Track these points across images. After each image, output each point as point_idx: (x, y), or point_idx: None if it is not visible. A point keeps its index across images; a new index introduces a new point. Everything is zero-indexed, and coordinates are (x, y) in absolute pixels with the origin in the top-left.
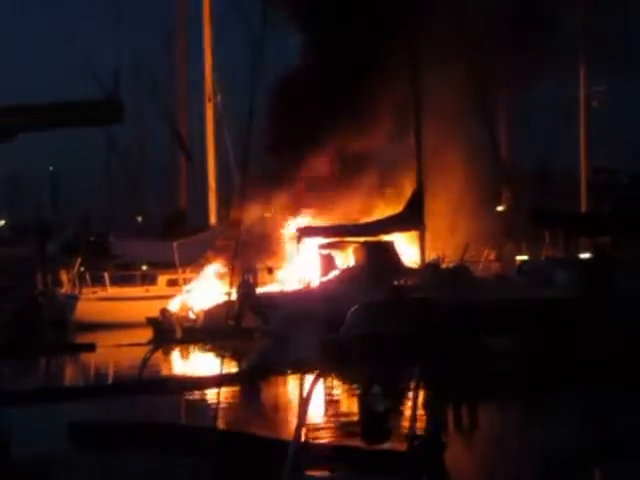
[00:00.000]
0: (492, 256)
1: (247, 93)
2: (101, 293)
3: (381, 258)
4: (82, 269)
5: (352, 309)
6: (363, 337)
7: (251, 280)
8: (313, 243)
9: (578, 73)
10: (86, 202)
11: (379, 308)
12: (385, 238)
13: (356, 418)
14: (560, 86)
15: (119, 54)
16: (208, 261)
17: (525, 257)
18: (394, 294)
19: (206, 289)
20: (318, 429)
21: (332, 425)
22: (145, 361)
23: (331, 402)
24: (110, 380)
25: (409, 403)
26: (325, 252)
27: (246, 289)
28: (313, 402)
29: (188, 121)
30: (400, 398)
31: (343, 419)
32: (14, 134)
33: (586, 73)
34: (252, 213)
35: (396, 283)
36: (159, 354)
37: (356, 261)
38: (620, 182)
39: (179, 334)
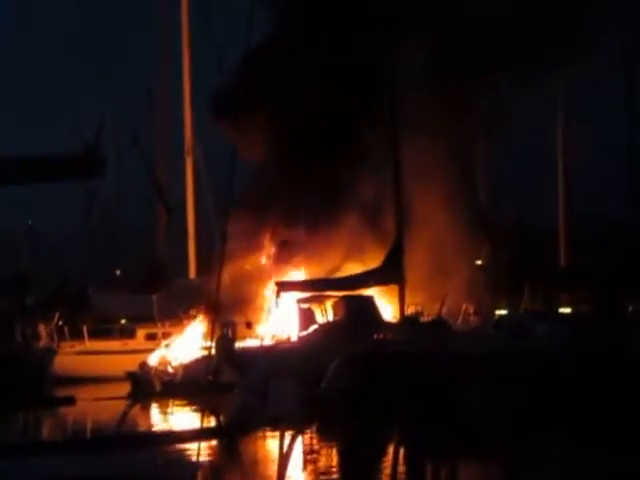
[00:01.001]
0: (471, 309)
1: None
2: (79, 347)
3: (361, 312)
4: (60, 322)
5: (333, 363)
6: (345, 392)
7: (230, 334)
8: (292, 297)
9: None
10: (65, 255)
11: (360, 362)
12: (364, 292)
13: (336, 475)
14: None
15: (101, 107)
16: (187, 315)
17: (504, 311)
18: (375, 348)
19: (185, 343)
20: None
21: None
22: (124, 415)
23: (311, 459)
24: (89, 434)
25: (390, 460)
26: (304, 306)
27: (225, 344)
28: (293, 459)
29: (168, 174)
30: (381, 454)
31: (323, 477)
32: None
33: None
34: (232, 267)
35: (376, 337)
36: (138, 408)
37: (335, 315)
38: (600, 237)
39: (158, 388)
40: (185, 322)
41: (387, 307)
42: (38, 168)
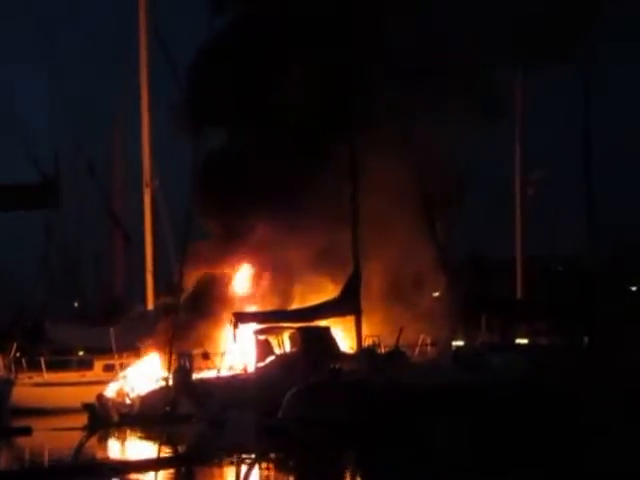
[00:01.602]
0: (428, 341)
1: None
2: (37, 378)
3: (317, 343)
4: (18, 354)
5: (289, 392)
6: (301, 420)
7: (187, 366)
8: (249, 328)
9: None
10: (22, 287)
11: (316, 391)
12: (321, 323)
13: None
14: (496, 170)
15: (58, 138)
16: (145, 346)
17: (461, 342)
18: (331, 377)
19: (143, 374)
20: None
21: None
22: (81, 445)
23: None
24: (46, 464)
25: None
26: (261, 337)
27: (182, 375)
28: None
29: (126, 205)
30: None
31: None
32: None
33: (522, 161)
34: (188, 298)
35: (332, 367)
36: (95, 439)
37: (292, 346)
38: (555, 269)
39: (115, 419)
40: (142, 353)
41: (344, 338)
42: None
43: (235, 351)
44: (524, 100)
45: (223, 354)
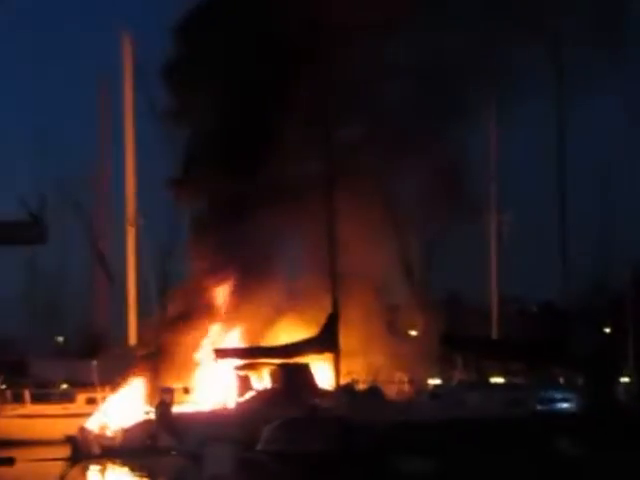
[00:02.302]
0: (405, 378)
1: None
2: (21, 410)
3: (297, 380)
4: (3, 387)
5: (267, 427)
6: (279, 454)
7: (168, 400)
8: (229, 364)
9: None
10: (6, 322)
11: (295, 425)
12: (301, 360)
13: None
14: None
15: (43, 175)
16: (126, 380)
17: (437, 380)
18: (310, 412)
19: (124, 408)
20: None
21: None
22: (63, 476)
23: None
24: None
25: None
26: (241, 373)
27: (163, 409)
28: None
29: (110, 242)
30: None
31: None
32: None
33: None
34: (170, 335)
35: (311, 403)
36: (77, 471)
37: (272, 382)
38: (530, 310)
39: (97, 451)
40: (124, 387)
41: (324, 374)
42: None
43: (215, 386)
44: (496, 147)
45: (203, 389)
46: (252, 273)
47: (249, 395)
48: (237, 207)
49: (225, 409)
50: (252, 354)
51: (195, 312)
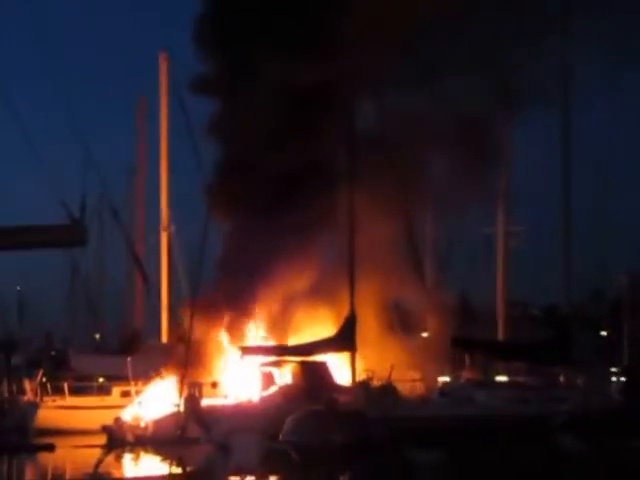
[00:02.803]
0: (417, 377)
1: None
2: (60, 402)
3: (316, 376)
4: (44, 380)
5: (289, 419)
6: (300, 444)
7: (197, 394)
8: (254, 361)
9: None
10: (49, 319)
11: (315, 418)
12: (320, 358)
13: None
14: (480, 226)
15: (85, 184)
16: (159, 375)
17: (447, 378)
18: (328, 406)
19: (156, 401)
20: None
21: None
22: (99, 462)
23: None
24: (66, 478)
25: None
26: (265, 369)
27: (192, 402)
28: None
29: (145, 246)
30: None
31: None
32: None
33: (505, 214)
34: (200, 333)
35: (328, 397)
36: (112, 458)
37: (294, 378)
38: (533, 314)
39: (131, 441)
40: (156, 381)
41: (342, 371)
42: (33, 236)
43: (241, 381)
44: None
45: (230, 384)
46: (280, 271)
47: (272, 390)
48: (266, 205)
49: (250, 402)
50: (275, 352)
51: (223, 311)
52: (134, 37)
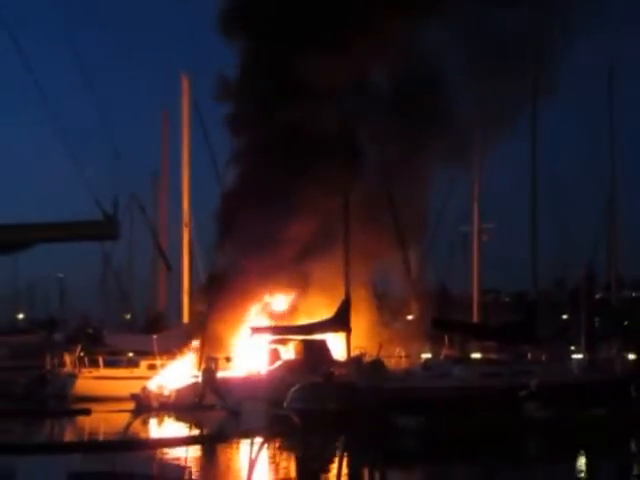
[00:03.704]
0: (402, 353)
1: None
2: (95, 373)
3: (316, 352)
4: (81, 354)
5: (292, 389)
6: (301, 410)
7: (213, 367)
8: (262, 339)
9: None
10: (86, 302)
11: (314, 388)
12: (319, 337)
13: (294, 475)
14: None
15: (118, 185)
16: (180, 351)
17: (428, 355)
18: (326, 378)
19: (177, 373)
20: None
21: None
22: (128, 425)
23: (274, 463)
24: (101, 438)
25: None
26: (272, 346)
27: (209, 374)
28: (259, 462)
29: (168, 239)
30: (329, 460)
31: (283, 476)
32: (32, 245)
33: (479, 212)
34: (214, 313)
35: (327, 371)
36: (139, 422)
37: (296, 354)
38: (504, 300)
39: (155, 406)
40: (178, 356)
41: (338, 348)
42: (72, 231)
43: (251, 356)
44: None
45: (242, 358)
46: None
47: (278, 364)
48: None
49: (258, 375)
50: (280, 331)
51: (234, 293)
52: (170, 57)
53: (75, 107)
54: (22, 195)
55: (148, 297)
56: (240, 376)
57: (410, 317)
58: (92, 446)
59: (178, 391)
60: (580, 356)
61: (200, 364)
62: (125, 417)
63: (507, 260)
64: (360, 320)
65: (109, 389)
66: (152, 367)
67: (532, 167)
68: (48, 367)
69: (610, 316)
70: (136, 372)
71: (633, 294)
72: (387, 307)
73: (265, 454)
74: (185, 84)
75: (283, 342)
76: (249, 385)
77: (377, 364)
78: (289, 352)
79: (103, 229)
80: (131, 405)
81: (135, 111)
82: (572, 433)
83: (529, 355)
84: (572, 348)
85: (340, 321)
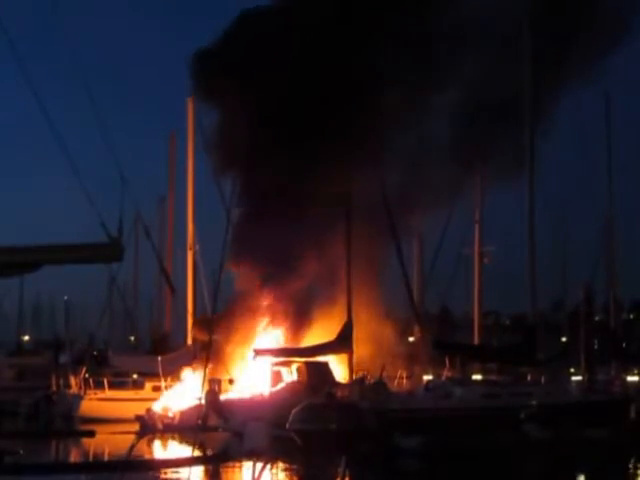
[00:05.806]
0: (404, 375)
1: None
2: (101, 394)
3: (318, 374)
4: (87, 375)
5: (294, 410)
6: (303, 431)
7: (216, 388)
8: (265, 361)
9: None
10: (91, 324)
11: (315, 409)
12: (321, 359)
13: None
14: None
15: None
16: (184, 373)
17: (430, 376)
18: (327, 399)
19: (181, 394)
20: None
21: None
22: (132, 446)
23: None
24: (105, 459)
25: None
26: (275, 368)
27: (212, 396)
28: None
29: (173, 262)
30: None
31: None
32: (39, 266)
33: (480, 235)
34: (218, 336)
35: (328, 392)
36: (144, 443)
37: (299, 376)
38: (504, 323)
39: (160, 427)
40: (182, 378)
41: (340, 370)
42: (77, 253)
43: (254, 378)
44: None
45: (245, 380)
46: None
47: (280, 385)
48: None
49: (262, 396)
50: (283, 353)
51: (238, 317)
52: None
53: (81, 131)
54: (26, 217)
55: (153, 319)
56: (243, 398)
57: (412, 339)
58: (96, 467)
59: (182, 413)
60: (579, 377)
61: (204, 386)
62: (129, 438)
63: (507, 280)
64: (362, 342)
65: (114, 411)
66: (157, 389)
67: (529, 202)
68: (54, 388)
69: (609, 338)
70: (141, 394)
71: (631, 316)
72: (390, 328)
73: (268, 475)
74: (190, 109)
75: (286, 364)
76: (252, 406)
77: (379, 385)
78: (292, 374)
79: (108, 251)
80: (135, 426)
81: (141, 133)
82: (572, 453)
83: (529, 377)
84: (572, 370)
85: (342, 343)
